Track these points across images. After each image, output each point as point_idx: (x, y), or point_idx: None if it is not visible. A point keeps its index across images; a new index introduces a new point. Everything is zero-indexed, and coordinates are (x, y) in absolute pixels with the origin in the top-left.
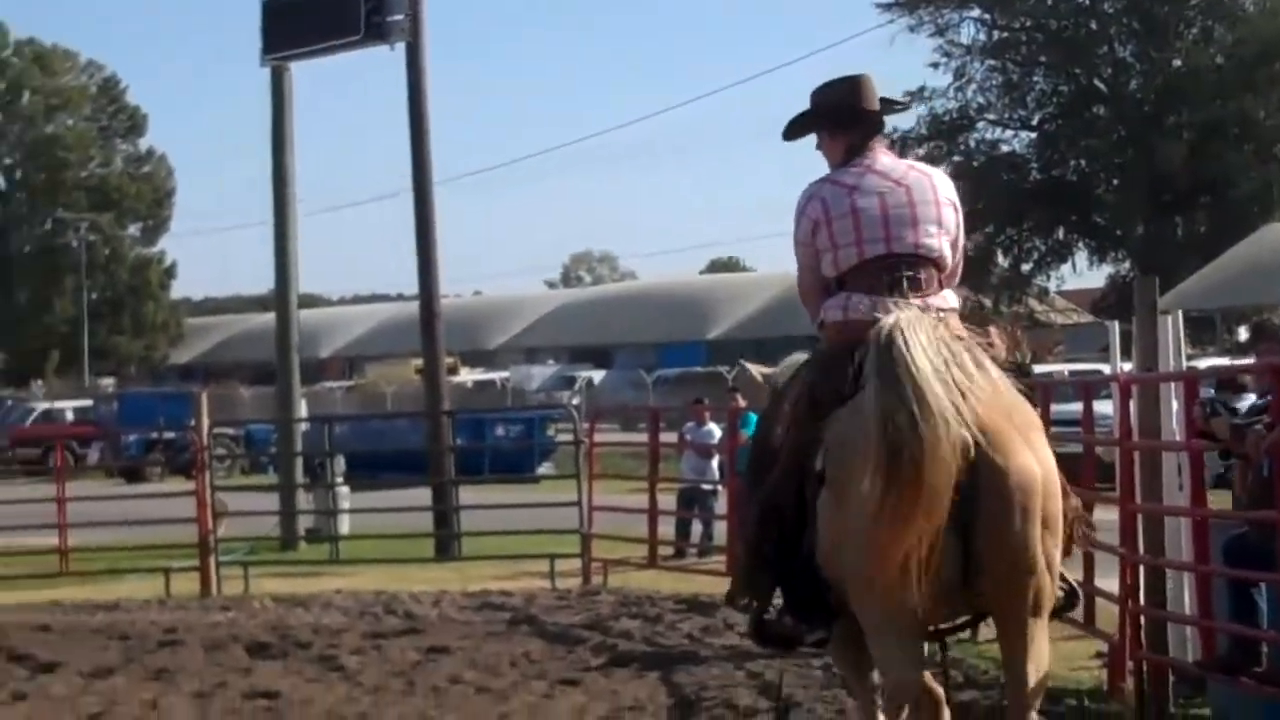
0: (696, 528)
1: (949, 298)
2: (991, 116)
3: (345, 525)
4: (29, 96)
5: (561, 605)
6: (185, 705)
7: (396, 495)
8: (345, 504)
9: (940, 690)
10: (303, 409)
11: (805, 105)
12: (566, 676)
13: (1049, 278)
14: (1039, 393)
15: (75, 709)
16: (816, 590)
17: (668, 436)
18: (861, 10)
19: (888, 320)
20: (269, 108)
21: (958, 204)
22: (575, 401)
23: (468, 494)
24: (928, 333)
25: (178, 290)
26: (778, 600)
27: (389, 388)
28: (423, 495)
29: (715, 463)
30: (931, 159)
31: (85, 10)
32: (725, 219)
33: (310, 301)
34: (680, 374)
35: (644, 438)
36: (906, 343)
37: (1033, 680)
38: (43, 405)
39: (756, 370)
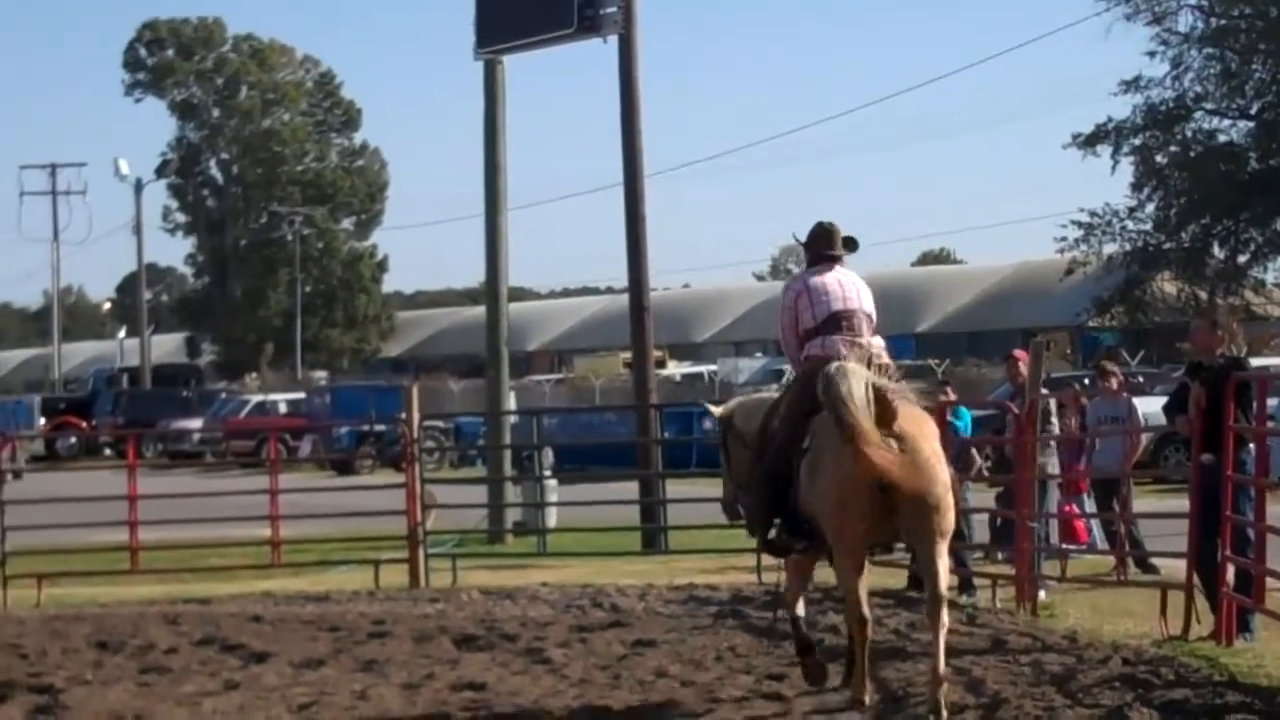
0: None
1: (877, 340)
2: (1209, 106)
3: (553, 518)
4: (246, 92)
5: (768, 599)
6: (394, 696)
7: (604, 488)
8: (553, 497)
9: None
10: (511, 402)
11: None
12: (772, 671)
13: (1266, 269)
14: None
15: (286, 699)
16: (799, 521)
17: None
18: (1077, 0)
19: (833, 363)
20: (482, 101)
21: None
22: None
23: (675, 487)
24: (862, 371)
25: (389, 284)
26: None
27: (597, 381)
28: (630, 489)
29: None
30: (1147, 149)
31: (301, 6)
32: (936, 211)
33: (520, 295)
34: None
35: None
36: (846, 373)
37: (943, 573)
38: (256, 398)
39: (713, 408)
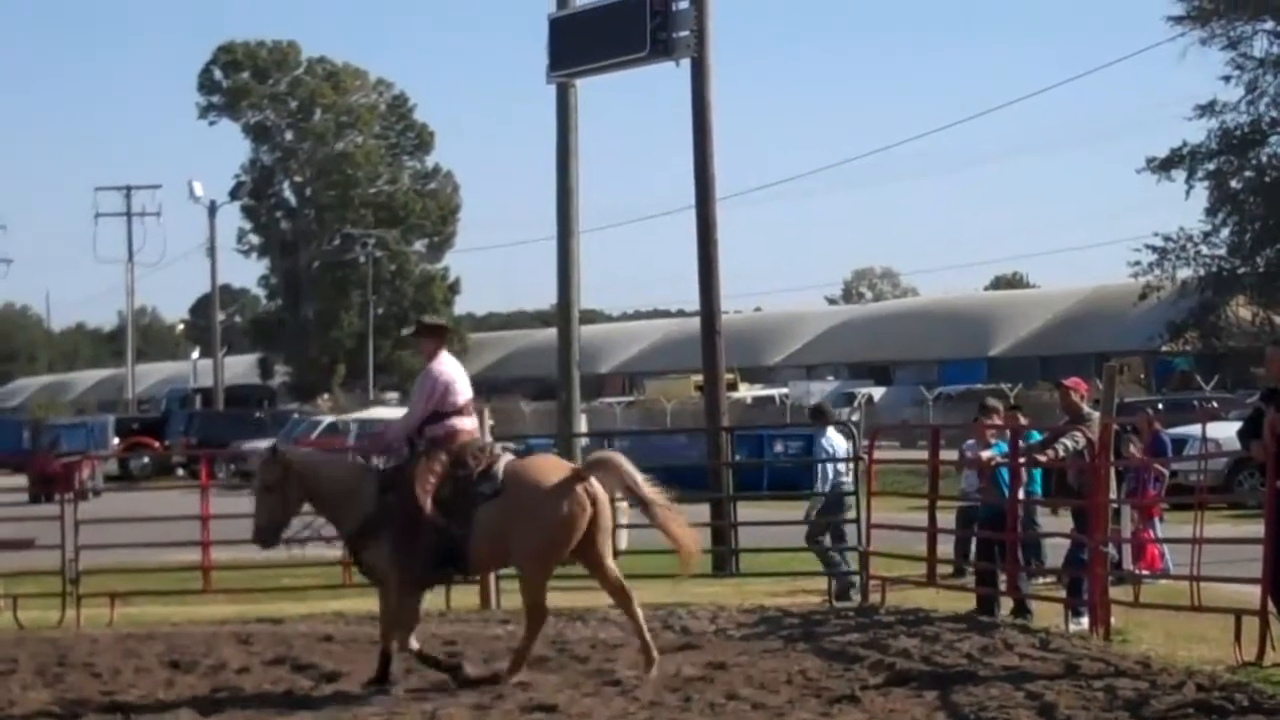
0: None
1: (472, 420)
2: None
3: (624, 540)
4: (320, 114)
5: (839, 623)
6: (464, 716)
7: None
8: (624, 519)
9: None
10: (583, 425)
11: None
12: (843, 694)
13: None
14: None
15: (356, 718)
16: (453, 557)
17: (948, 454)
18: (1151, 24)
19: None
20: (554, 124)
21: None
22: (855, 418)
23: (746, 510)
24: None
25: (461, 306)
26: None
27: (668, 403)
28: (701, 511)
29: None
30: (1222, 173)
31: (375, 29)
32: (1009, 235)
33: (591, 317)
34: (962, 391)
35: (924, 455)
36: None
37: (619, 573)
38: (328, 419)
39: (281, 447)
